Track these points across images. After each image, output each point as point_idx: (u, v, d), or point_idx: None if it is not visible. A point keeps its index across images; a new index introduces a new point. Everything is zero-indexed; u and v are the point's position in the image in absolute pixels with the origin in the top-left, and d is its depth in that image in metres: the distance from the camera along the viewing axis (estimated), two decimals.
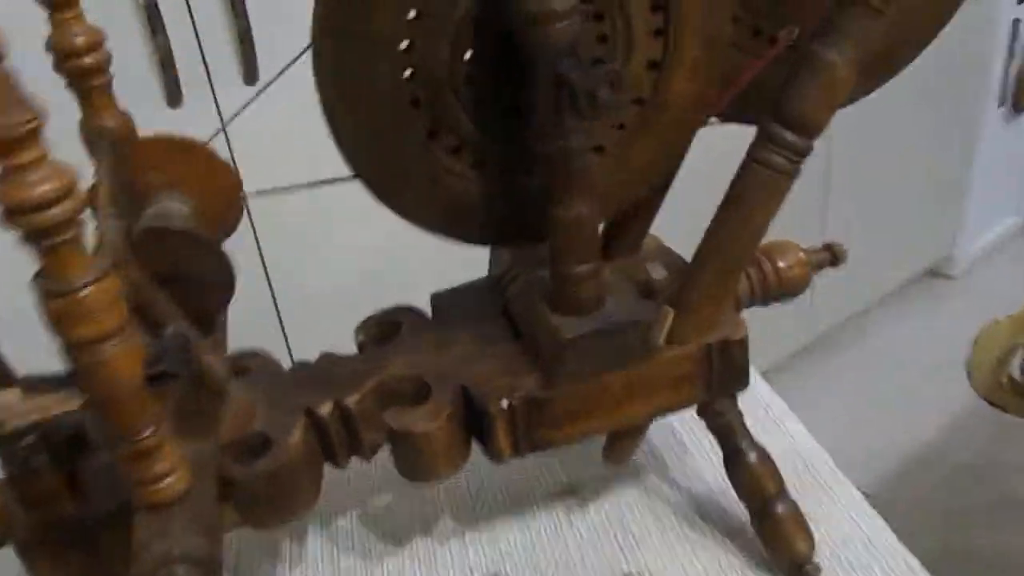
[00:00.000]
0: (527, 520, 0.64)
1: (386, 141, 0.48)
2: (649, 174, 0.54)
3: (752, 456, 0.56)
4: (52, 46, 0.46)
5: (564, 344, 0.51)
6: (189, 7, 0.94)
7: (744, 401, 0.57)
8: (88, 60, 0.46)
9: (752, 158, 0.50)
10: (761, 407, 0.70)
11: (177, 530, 0.39)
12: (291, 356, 0.87)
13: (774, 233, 0.53)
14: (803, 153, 0.50)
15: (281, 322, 1.06)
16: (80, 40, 0.46)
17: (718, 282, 0.53)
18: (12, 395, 0.41)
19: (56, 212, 0.32)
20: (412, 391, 0.54)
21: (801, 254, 0.61)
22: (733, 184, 0.51)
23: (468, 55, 0.47)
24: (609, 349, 0.52)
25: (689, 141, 0.54)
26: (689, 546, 0.60)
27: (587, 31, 0.48)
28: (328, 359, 0.57)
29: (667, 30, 0.50)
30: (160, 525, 0.39)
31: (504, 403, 0.51)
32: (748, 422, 0.57)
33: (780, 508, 0.56)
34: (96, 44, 0.47)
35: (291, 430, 0.51)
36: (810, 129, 0.49)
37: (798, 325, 1.75)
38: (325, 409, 0.53)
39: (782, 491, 0.57)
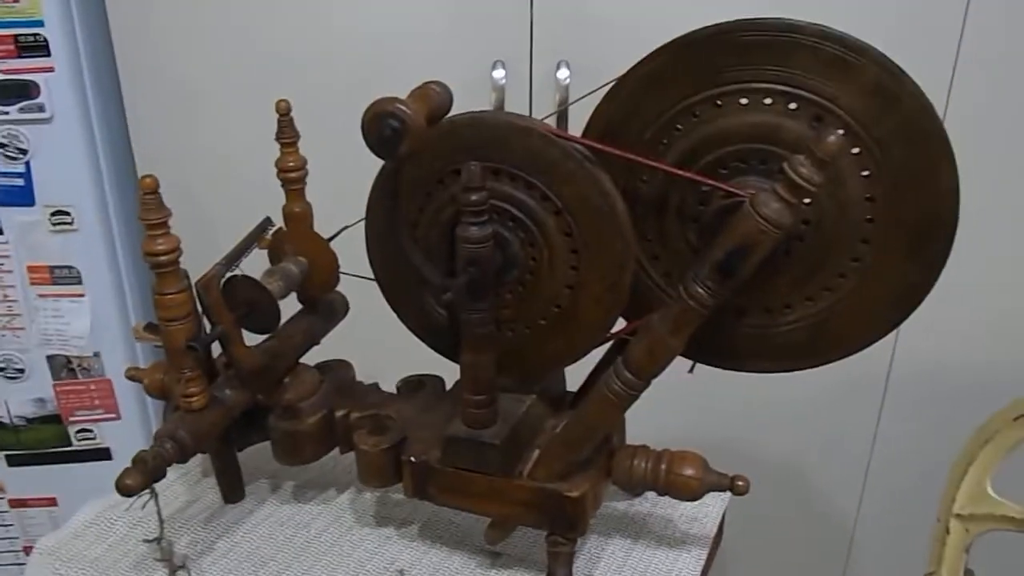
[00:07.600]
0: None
1: (398, 276, 0.78)
2: (557, 359, 0.76)
3: None
4: (276, 163, 0.84)
5: (445, 438, 0.76)
6: None
7: None
8: (292, 175, 0.84)
9: (603, 381, 0.69)
10: None
11: (182, 423, 0.75)
12: None
13: None
14: (635, 388, 0.68)
15: None
16: (291, 163, 0.84)
17: (563, 450, 0.73)
18: None
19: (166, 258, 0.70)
20: (384, 425, 0.83)
21: (698, 471, 0.76)
22: (591, 392, 0.71)
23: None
24: (477, 456, 0.75)
25: (593, 346, 0.74)
26: None
27: (524, 253, 0.72)
28: (371, 388, 0.89)
29: (579, 269, 0.71)
30: (177, 419, 0.76)
31: (412, 458, 0.78)
32: None
33: None
34: (299, 167, 0.84)
35: (314, 414, 0.85)
36: (640, 374, 0.67)
37: None
38: (340, 413, 0.85)
39: None
